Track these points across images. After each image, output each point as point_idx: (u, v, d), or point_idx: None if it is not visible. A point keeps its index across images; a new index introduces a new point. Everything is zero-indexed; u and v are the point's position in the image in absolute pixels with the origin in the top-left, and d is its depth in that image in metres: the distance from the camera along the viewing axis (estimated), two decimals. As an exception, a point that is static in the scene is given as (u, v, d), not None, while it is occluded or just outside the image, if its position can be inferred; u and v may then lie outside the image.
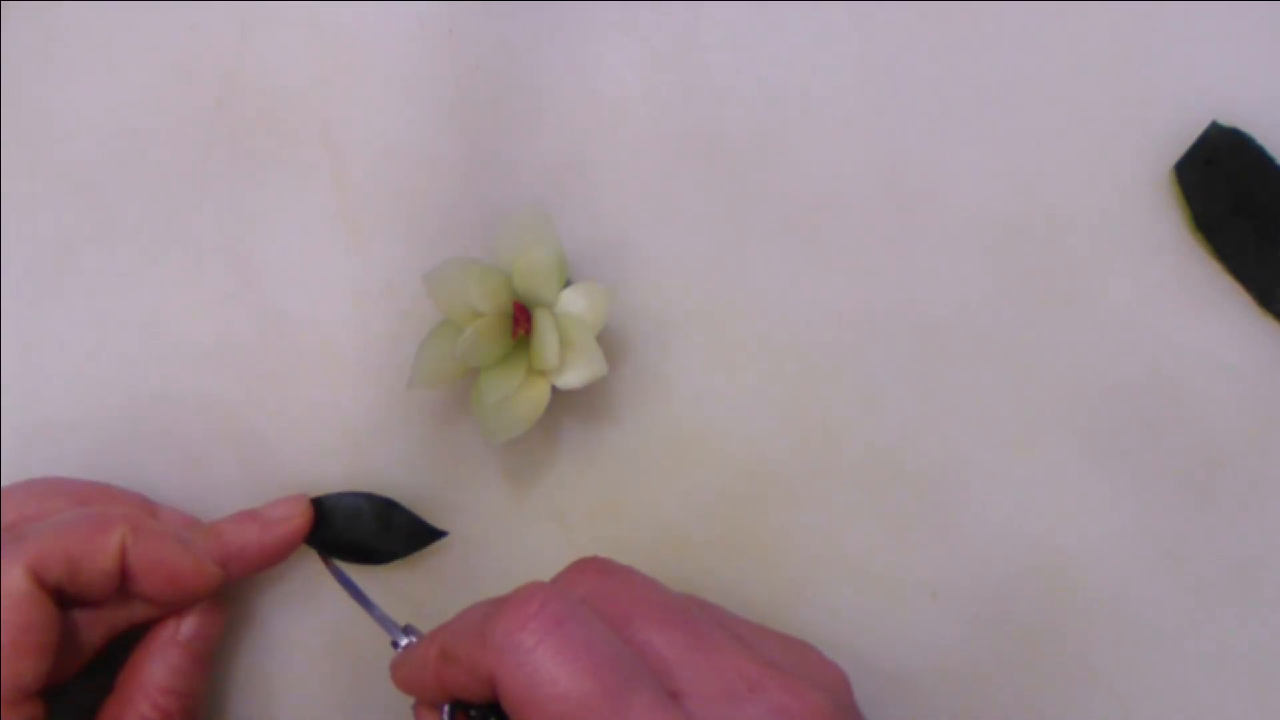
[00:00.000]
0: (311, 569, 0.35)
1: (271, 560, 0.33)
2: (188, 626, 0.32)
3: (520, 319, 0.33)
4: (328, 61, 0.37)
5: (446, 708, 0.29)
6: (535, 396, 0.33)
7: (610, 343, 0.35)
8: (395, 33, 0.37)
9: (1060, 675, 0.34)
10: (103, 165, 0.37)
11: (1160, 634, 0.34)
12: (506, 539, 0.35)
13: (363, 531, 0.34)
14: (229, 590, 0.34)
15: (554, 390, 0.33)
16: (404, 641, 0.32)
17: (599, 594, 0.27)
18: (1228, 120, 0.35)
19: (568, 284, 0.34)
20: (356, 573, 0.34)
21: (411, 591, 0.35)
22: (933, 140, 0.36)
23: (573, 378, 0.33)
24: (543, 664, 0.24)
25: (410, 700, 0.30)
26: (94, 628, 0.31)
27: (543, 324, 0.33)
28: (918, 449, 0.35)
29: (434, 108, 0.37)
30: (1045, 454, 0.35)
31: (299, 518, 0.33)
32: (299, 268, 0.36)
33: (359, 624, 0.34)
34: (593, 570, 0.28)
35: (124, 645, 0.32)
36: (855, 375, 0.35)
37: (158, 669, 0.31)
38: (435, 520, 0.35)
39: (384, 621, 0.33)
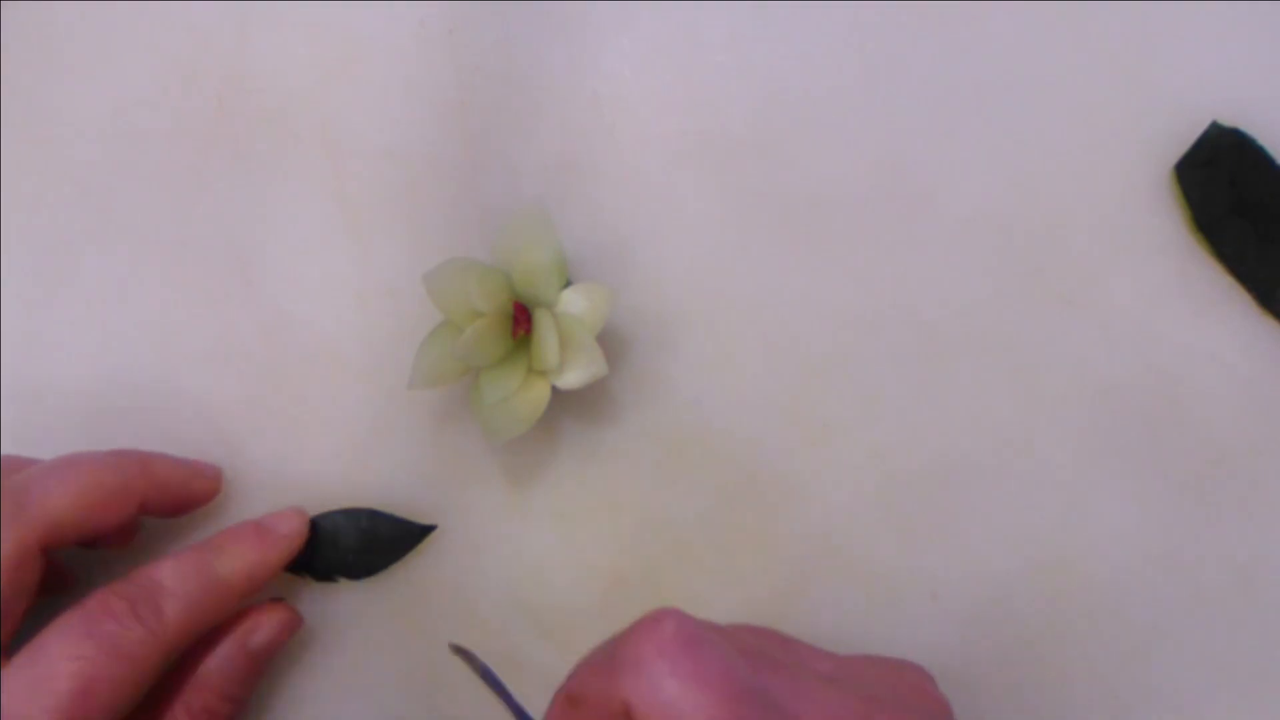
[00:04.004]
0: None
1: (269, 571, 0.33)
2: (260, 637, 0.32)
3: (520, 319, 0.33)
4: (328, 62, 0.37)
5: None
6: (535, 396, 0.33)
7: (610, 343, 0.35)
8: (395, 33, 0.37)
9: (1060, 675, 0.34)
10: (103, 165, 0.37)
11: (1160, 634, 0.34)
12: (506, 539, 0.35)
13: (350, 548, 0.34)
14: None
15: (554, 390, 0.33)
16: None
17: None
18: (1228, 120, 0.35)
19: (568, 284, 0.34)
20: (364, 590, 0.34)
21: (412, 593, 0.35)
22: (933, 140, 0.36)
23: (573, 378, 0.33)
24: (681, 688, 0.23)
25: None
26: None
27: (543, 324, 0.33)
28: (918, 449, 0.35)
29: (434, 108, 0.37)
30: (1045, 454, 0.35)
31: (299, 533, 0.34)
32: (299, 268, 0.36)
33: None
34: (671, 619, 0.27)
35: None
36: (855, 375, 0.35)
37: (217, 670, 0.31)
38: (435, 521, 0.35)
39: (521, 714, 0.31)
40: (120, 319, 0.36)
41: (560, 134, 0.37)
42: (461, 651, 0.33)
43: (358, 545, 0.34)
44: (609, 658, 0.25)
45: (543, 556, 0.35)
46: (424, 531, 0.35)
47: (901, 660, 0.29)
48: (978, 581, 0.34)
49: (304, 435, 0.36)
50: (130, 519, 0.31)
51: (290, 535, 0.33)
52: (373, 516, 0.34)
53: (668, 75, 0.37)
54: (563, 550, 0.35)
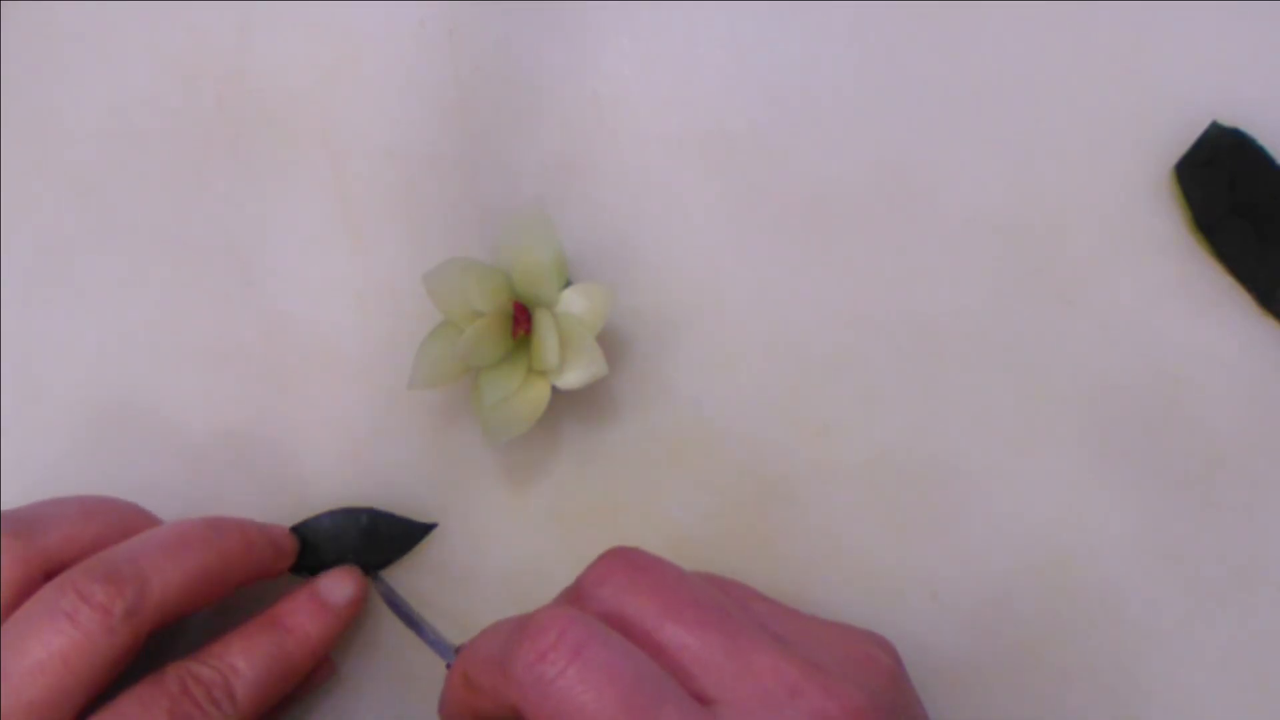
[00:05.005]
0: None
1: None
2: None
3: (520, 319, 0.33)
4: (328, 62, 0.37)
5: None
6: (535, 396, 0.33)
7: (610, 343, 0.35)
8: (395, 33, 0.37)
9: (1060, 675, 0.34)
10: (103, 165, 0.37)
11: (1160, 634, 0.34)
12: (507, 539, 0.35)
13: (350, 548, 0.34)
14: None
15: (554, 390, 0.33)
16: None
17: (629, 591, 0.27)
18: (1228, 120, 0.35)
19: (568, 284, 0.34)
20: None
21: (412, 592, 0.35)
22: (933, 140, 0.36)
23: (573, 378, 0.33)
24: (566, 695, 0.24)
25: None
26: None
27: (543, 324, 0.33)
28: (918, 449, 0.35)
29: (434, 108, 0.37)
30: (1045, 454, 0.35)
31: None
32: (299, 268, 0.36)
33: (413, 645, 0.34)
34: (622, 565, 0.27)
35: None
36: (855, 375, 0.35)
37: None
38: (435, 520, 0.35)
39: (436, 645, 0.32)
40: (120, 319, 0.36)
41: (560, 134, 0.37)
42: (374, 578, 0.33)
43: (358, 545, 0.34)
44: (500, 658, 0.25)
45: (542, 556, 0.35)
46: (424, 530, 0.35)
47: (869, 632, 0.29)
48: (978, 581, 0.34)
49: (304, 435, 0.36)
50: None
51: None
52: (373, 516, 0.34)
53: (668, 75, 0.37)
54: (563, 550, 0.35)
